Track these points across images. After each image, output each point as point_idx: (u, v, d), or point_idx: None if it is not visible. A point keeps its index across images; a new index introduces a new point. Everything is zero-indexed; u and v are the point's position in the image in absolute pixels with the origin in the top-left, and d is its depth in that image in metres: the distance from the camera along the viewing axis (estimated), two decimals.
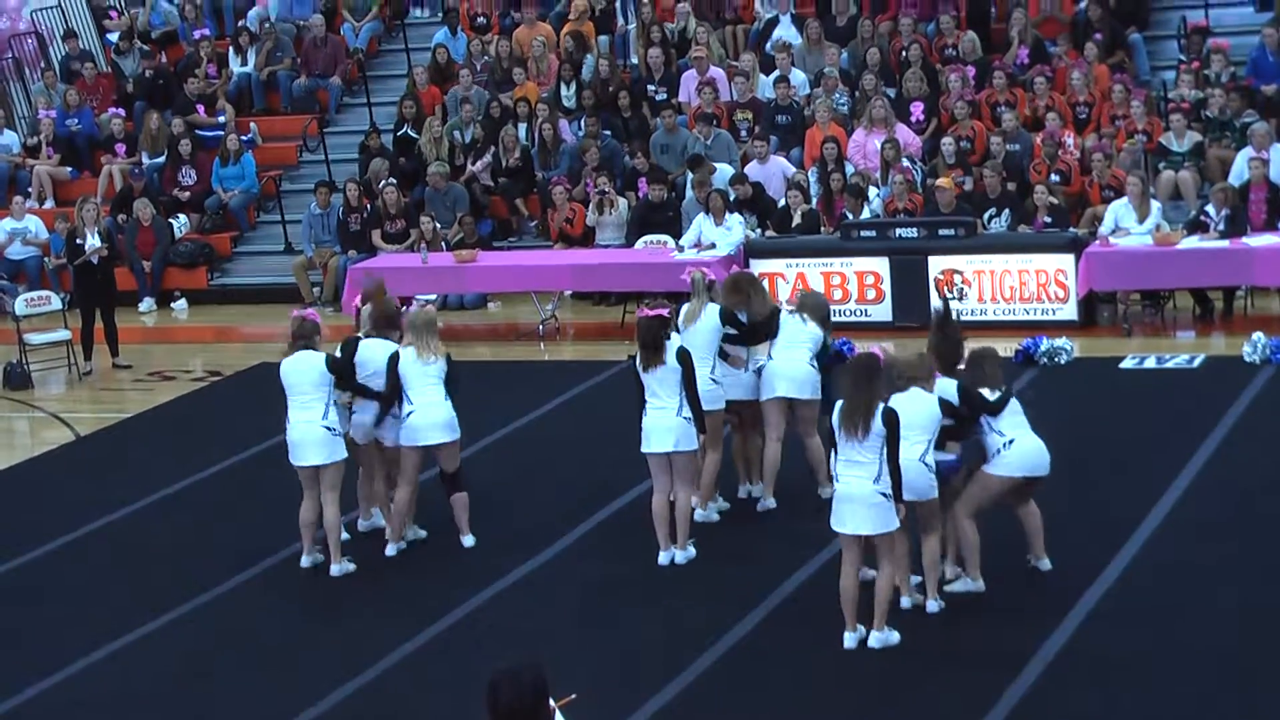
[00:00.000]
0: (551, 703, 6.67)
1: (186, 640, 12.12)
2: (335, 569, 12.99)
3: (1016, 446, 11.51)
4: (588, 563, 12.93)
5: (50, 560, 14.00)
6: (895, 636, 10.97)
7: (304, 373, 12.81)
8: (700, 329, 13.01)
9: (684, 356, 12.36)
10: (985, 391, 11.54)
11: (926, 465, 11.10)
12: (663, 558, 12.57)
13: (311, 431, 12.82)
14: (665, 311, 12.52)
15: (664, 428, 12.36)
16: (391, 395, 12.98)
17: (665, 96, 23.76)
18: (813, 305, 13.43)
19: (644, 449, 12.52)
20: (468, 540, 13.23)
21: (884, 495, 10.62)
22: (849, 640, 10.93)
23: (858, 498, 10.65)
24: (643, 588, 12.34)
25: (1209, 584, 11.73)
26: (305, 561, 13.15)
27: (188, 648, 11.98)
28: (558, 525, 13.55)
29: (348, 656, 11.47)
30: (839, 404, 10.76)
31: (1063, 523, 13.02)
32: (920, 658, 10.85)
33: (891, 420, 10.60)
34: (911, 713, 10.24)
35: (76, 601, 13.06)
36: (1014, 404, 11.64)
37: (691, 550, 12.62)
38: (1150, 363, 17.08)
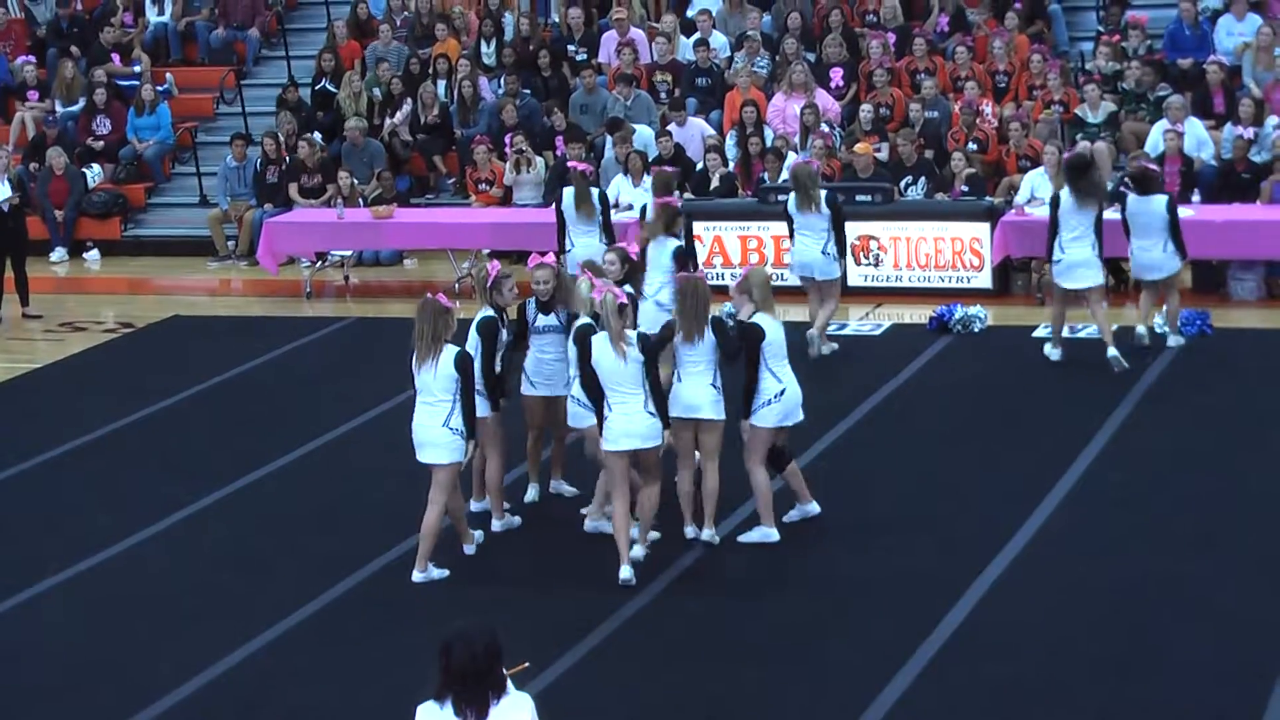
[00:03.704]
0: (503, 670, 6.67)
1: (94, 592, 12.07)
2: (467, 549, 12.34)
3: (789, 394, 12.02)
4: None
5: None
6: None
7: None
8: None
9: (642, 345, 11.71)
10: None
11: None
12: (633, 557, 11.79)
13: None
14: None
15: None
16: None
17: (585, 56, 23.70)
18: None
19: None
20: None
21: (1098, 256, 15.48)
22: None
23: (1082, 261, 15.50)
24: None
25: (1115, 552, 11.86)
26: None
27: (96, 599, 11.93)
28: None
29: (255, 613, 11.45)
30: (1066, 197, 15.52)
31: (972, 489, 13.16)
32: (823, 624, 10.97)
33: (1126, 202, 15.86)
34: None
35: None
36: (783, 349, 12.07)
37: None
38: (1063, 332, 17.21)
